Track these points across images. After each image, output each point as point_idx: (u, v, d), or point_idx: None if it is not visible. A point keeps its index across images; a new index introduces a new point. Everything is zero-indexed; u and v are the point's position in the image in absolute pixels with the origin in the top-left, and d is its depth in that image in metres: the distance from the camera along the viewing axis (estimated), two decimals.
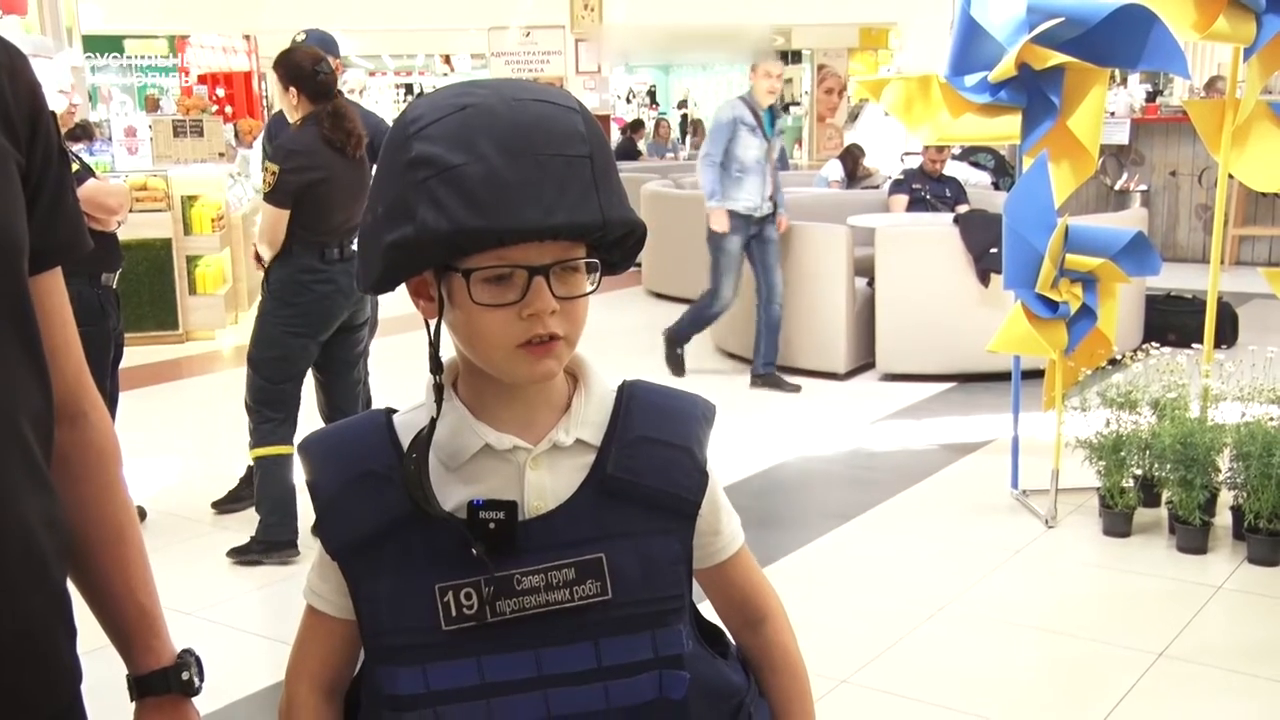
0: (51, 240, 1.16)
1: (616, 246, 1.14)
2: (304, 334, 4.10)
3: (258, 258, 4.30)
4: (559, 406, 1.16)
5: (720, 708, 1.21)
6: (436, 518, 1.10)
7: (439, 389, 1.14)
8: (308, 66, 4.09)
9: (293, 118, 4.19)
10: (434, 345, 1.13)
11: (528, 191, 1.03)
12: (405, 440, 1.14)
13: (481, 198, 1.02)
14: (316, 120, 4.06)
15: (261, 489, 4.15)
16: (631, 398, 1.19)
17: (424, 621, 1.11)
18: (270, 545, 4.11)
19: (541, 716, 1.12)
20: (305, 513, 4.31)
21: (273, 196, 4.03)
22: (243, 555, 4.13)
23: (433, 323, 1.13)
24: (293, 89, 4.11)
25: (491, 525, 1.10)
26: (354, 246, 4.10)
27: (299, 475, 4.57)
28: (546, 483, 1.13)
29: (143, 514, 4.53)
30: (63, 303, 1.21)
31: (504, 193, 1.03)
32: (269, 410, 4.10)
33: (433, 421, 1.13)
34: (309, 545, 4.26)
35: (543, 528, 1.12)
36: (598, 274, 1.12)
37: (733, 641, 1.30)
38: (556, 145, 1.05)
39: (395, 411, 1.19)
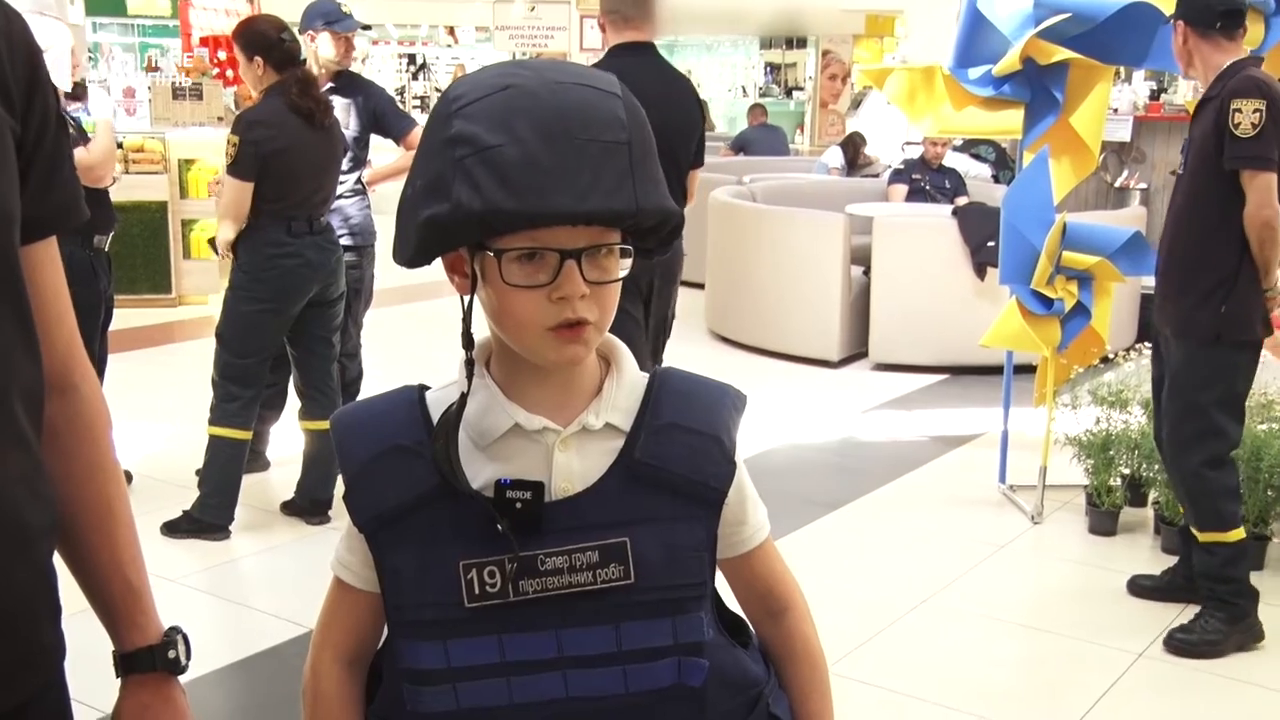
0: (47, 209, 1.14)
1: (651, 234, 1.14)
2: (271, 309, 4.01)
3: (212, 243, 4.24)
4: (590, 390, 1.17)
5: (738, 698, 1.21)
6: (464, 494, 1.10)
7: (470, 365, 1.14)
8: (273, 35, 4.01)
9: (256, 89, 4.11)
10: (466, 321, 1.13)
11: (562, 176, 1.03)
12: (437, 416, 1.15)
13: (516, 180, 1.02)
14: (283, 89, 3.97)
15: (209, 467, 4.07)
16: (663, 384, 1.19)
17: (447, 597, 1.11)
18: (202, 526, 4.04)
19: (560, 697, 1.13)
20: (266, 490, 4.31)
21: (235, 169, 3.95)
22: (173, 531, 4.05)
23: (466, 299, 1.13)
24: (258, 59, 4.02)
25: (518, 505, 1.10)
26: (325, 219, 4.08)
27: (273, 452, 4.61)
28: (574, 465, 1.14)
29: (129, 478, 4.52)
30: (57, 273, 1.19)
31: (538, 176, 1.03)
32: (235, 387, 4.03)
33: (463, 398, 1.13)
34: (247, 526, 4.26)
35: (568, 510, 1.12)
36: (630, 260, 1.11)
37: (754, 633, 1.30)
38: (595, 130, 1.05)
39: (428, 388, 1.20)
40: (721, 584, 1.24)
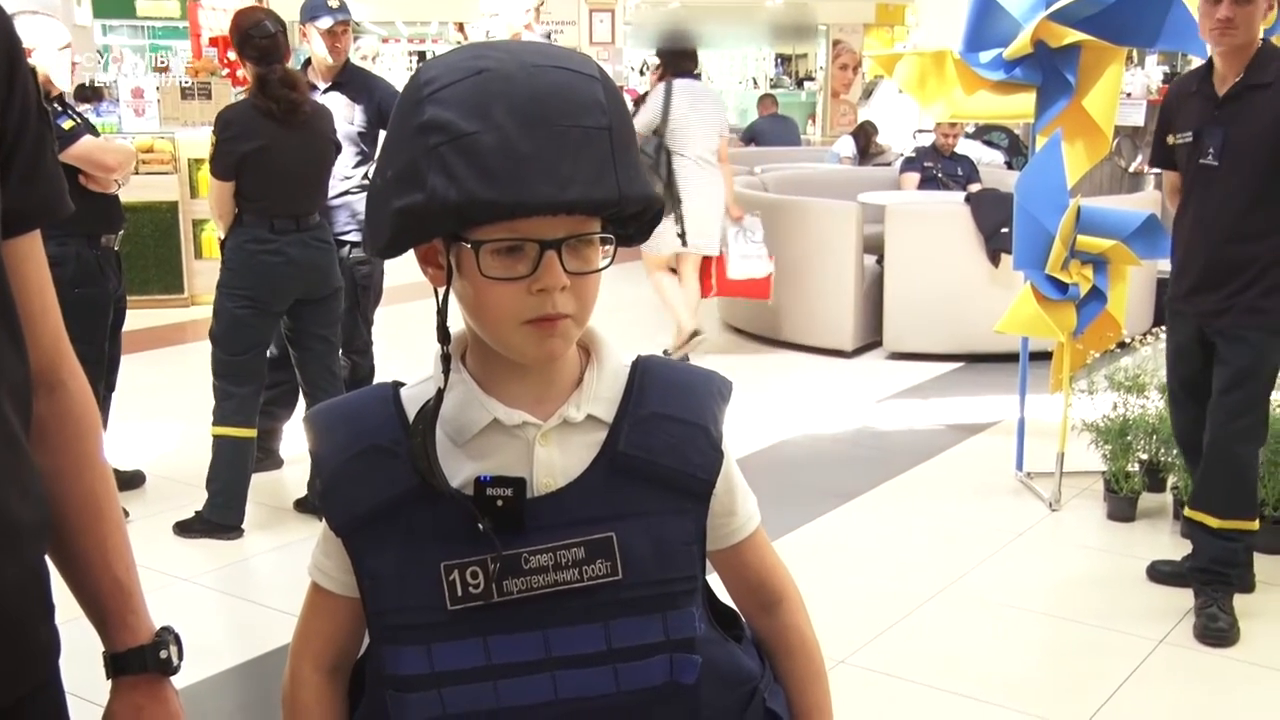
0: (28, 202, 1.12)
1: (632, 220, 1.10)
2: (252, 306, 3.96)
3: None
4: (570, 381, 1.14)
5: (733, 693, 1.18)
6: (443, 494, 1.07)
7: (446, 360, 1.11)
8: (245, 28, 3.95)
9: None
10: (441, 315, 1.10)
11: (543, 164, 0.99)
12: (412, 414, 1.11)
13: (494, 169, 0.99)
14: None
15: (215, 468, 4.04)
16: (645, 373, 1.16)
17: (429, 600, 1.08)
18: (213, 526, 4.01)
19: (549, 699, 1.09)
20: (267, 489, 4.30)
21: (213, 167, 3.94)
22: (186, 532, 4.03)
23: (441, 291, 1.09)
24: (237, 54, 3.99)
25: (499, 502, 1.07)
26: (315, 217, 4.02)
27: (293, 448, 4.60)
28: (556, 459, 1.11)
29: (142, 478, 4.52)
30: (40, 267, 1.17)
31: (518, 165, 0.99)
32: (231, 385, 3.99)
33: (439, 394, 1.10)
34: (260, 524, 4.25)
35: (552, 506, 1.09)
36: (612, 248, 1.08)
37: (747, 625, 1.27)
38: (574, 115, 1.01)
39: (403, 385, 1.17)
40: (712, 577, 1.21)
